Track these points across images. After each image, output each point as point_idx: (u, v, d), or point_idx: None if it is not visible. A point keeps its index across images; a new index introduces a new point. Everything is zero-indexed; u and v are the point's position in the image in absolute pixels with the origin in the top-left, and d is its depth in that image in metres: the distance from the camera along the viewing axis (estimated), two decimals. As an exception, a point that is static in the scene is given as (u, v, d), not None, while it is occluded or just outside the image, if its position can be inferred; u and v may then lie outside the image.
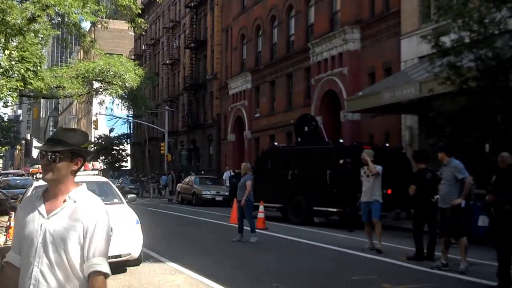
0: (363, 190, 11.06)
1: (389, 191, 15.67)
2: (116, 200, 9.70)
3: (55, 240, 2.39)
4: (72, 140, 2.49)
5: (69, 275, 2.40)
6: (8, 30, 15.81)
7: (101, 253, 2.41)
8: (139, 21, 21.98)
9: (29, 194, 9.42)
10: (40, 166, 8.93)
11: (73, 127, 2.98)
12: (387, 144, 17.77)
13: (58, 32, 21.47)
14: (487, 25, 11.96)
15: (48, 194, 2.50)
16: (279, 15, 31.48)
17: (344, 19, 24.61)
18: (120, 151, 62.21)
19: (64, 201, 2.45)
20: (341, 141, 17.53)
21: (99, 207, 2.46)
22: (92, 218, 2.41)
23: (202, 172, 37.84)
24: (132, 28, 24.42)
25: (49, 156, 2.43)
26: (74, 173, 2.51)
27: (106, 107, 35.71)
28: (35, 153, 43.01)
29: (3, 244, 11.70)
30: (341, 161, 15.39)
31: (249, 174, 12.75)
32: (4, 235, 12.75)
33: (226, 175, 30.00)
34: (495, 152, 10.21)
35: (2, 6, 14.60)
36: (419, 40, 17.60)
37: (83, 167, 8.58)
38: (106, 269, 2.41)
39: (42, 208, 2.46)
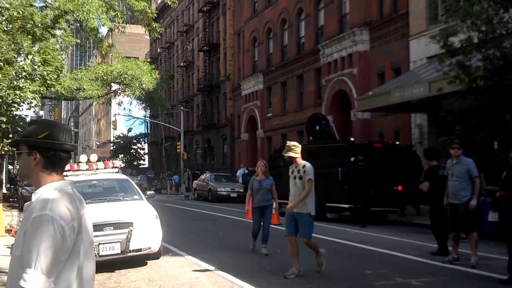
0: (291, 194, 8.07)
1: (400, 188, 16.15)
2: (136, 197, 9.88)
3: (15, 242, 2.09)
4: (27, 132, 2.18)
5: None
6: (29, 36, 16.50)
7: (28, 265, 1.92)
8: (154, 25, 22.61)
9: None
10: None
11: (36, 119, 2.59)
12: (398, 142, 17.99)
13: (78, 41, 22.21)
14: (495, 25, 12.14)
15: None
16: (289, 18, 32.00)
17: (353, 21, 25.07)
18: (138, 150, 63.28)
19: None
20: (352, 139, 17.79)
21: (35, 211, 2.01)
22: (28, 223, 2.01)
23: (218, 169, 38.53)
24: (148, 32, 25.10)
25: (16, 151, 2.22)
26: (42, 168, 2.14)
27: (124, 108, 36.53)
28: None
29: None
30: (352, 159, 15.63)
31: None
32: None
33: (240, 172, 30.76)
34: (503, 150, 10.45)
35: (22, 13, 15.21)
36: (427, 41, 17.88)
37: (103, 165, 9.17)
38: (25, 283, 1.90)
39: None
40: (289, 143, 8.45)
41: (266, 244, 10.20)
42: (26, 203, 2.20)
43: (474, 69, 12.60)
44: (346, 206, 16.02)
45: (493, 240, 9.99)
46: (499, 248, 8.73)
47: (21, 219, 16.07)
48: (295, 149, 8.06)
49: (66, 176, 10.54)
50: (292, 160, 8.14)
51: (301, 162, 8.06)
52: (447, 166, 9.17)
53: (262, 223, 10.41)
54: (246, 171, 29.60)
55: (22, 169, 2.20)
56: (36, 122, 2.26)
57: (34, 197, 2.11)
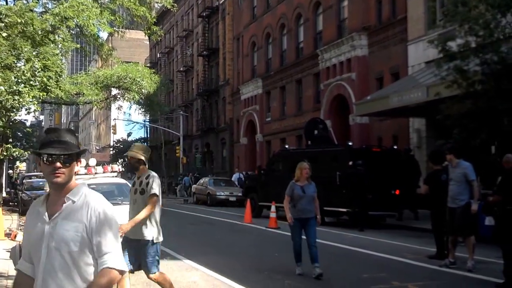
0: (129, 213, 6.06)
1: (397, 192, 16.18)
2: None
3: (57, 243, 2.31)
4: (75, 142, 2.46)
5: (74, 280, 2.31)
6: (29, 41, 16.57)
7: (109, 249, 2.33)
8: (154, 28, 22.72)
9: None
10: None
11: (63, 128, 2.78)
12: (395, 147, 18.04)
13: (78, 46, 22.32)
14: (493, 30, 12.24)
15: (51, 198, 2.43)
16: (288, 23, 32.12)
17: (352, 26, 25.18)
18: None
19: (64, 202, 2.37)
20: (350, 143, 17.81)
21: (99, 203, 2.38)
22: (93, 215, 2.33)
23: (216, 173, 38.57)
24: (148, 36, 25.22)
25: (61, 159, 2.37)
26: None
27: (124, 112, 36.62)
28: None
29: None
30: (350, 163, 15.64)
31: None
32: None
33: (235, 176, 30.91)
34: (501, 154, 10.42)
35: (23, 18, 15.28)
36: (425, 46, 17.95)
37: (102, 169, 9.43)
38: (115, 264, 2.32)
39: (45, 212, 2.39)
40: (136, 144, 6.86)
41: (318, 262, 8.17)
42: (66, 205, 2.39)
43: (472, 74, 12.69)
44: (344, 210, 16.06)
45: (490, 244, 9.98)
46: (495, 252, 8.68)
47: (21, 223, 16.04)
48: (139, 152, 5.89)
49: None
50: (134, 165, 5.95)
51: (146, 171, 5.93)
52: (449, 171, 9.21)
53: (307, 239, 8.38)
54: (241, 175, 29.78)
55: (69, 177, 2.41)
56: (71, 131, 2.54)
57: (70, 199, 2.37)
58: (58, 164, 2.35)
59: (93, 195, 2.41)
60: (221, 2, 44.22)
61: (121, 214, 8.98)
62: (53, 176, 2.36)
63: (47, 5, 21.25)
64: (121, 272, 2.34)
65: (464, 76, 12.75)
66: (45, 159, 2.37)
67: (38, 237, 2.36)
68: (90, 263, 2.34)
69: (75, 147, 2.42)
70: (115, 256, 2.33)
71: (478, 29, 12.38)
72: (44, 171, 2.42)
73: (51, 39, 18.81)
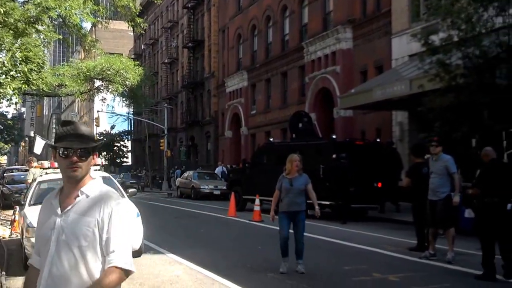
0: None
1: (379, 185, 16.32)
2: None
3: (67, 237, 2.27)
4: (91, 134, 2.42)
5: (81, 275, 2.26)
6: (11, 31, 16.32)
7: (117, 247, 2.26)
8: (138, 20, 22.46)
9: (32, 189, 9.84)
10: (43, 162, 9.46)
11: (79, 121, 2.65)
12: (378, 140, 18.16)
13: (60, 37, 22.00)
14: (475, 24, 12.31)
15: (65, 191, 2.40)
16: (274, 15, 32.07)
17: (337, 19, 25.22)
18: (121, 147, 62.90)
19: (77, 196, 2.34)
20: (334, 137, 17.85)
21: (113, 199, 2.33)
22: (106, 211, 2.28)
23: (200, 167, 38.53)
24: (132, 28, 24.95)
25: (78, 153, 2.33)
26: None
27: (108, 105, 36.30)
28: (38, 149, 43.45)
29: (8, 237, 12.27)
30: (334, 156, 15.74)
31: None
32: (9, 228, 13.28)
33: (218, 170, 30.92)
34: (481, 147, 10.56)
35: (4, 8, 15.04)
36: (409, 39, 18.05)
37: None
38: (121, 263, 2.25)
39: (58, 205, 2.36)
40: None
41: (302, 259, 8.04)
42: (82, 196, 2.36)
43: (454, 67, 12.80)
44: (327, 203, 16.13)
45: (469, 236, 10.14)
46: (475, 244, 8.81)
47: (1, 217, 15.73)
48: None
49: (47, 173, 10.50)
50: None
51: None
52: (430, 164, 9.28)
53: (294, 234, 8.14)
54: (224, 169, 29.79)
55: (86, 171, 2.38)
56: (87, 125, 2.64)
57: (84, 193, 2.34)
58: (75, 158, 2.32)
59: (108, 190, 2.38)
60: (206, -7, 44.00)
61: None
62: (69, 170, 2.33)
63: (29, -4, 20.92)
64: (128, 273, 2.27)
65: (446, 69, 12.85)
66: (61, 152, 2.33)
67: (48, 230, 2.33)
68: (98, 260, 2.29)
69: (92, 140, 2.38)
70: (122, 255, 2.26)
71: (460, 23, 12.47)
72: (60, 165, 2.38)
73: (36, 28, 18.56)
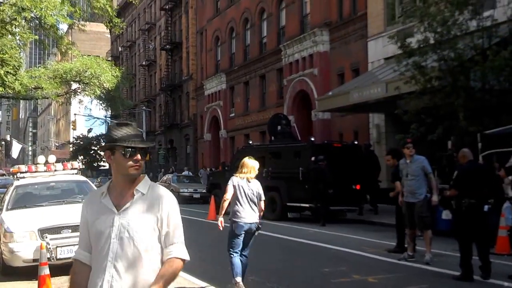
0: None
1: (358, 187, 16.45)
2: None
3: (130, 234, 2.41)
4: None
5: (145, 269, 2.42)
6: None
7: (177, 240, 2.48)
8: (116, 20, 22.23)
9: (9, 194, 9.82)
10: (20, 166, 9.30)
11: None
12: (356, 142, 18.26)
13: (36, 37, 21.73)
14: (450, 27, 12.54)
15: (115, 190, 2.51)
16: (251, 17, 32.14)
17: (314, 21, 25.39)
18: (98, 151, 62.12)
19: (133, 194, 2.47)
20: (312, 139, 17.91)
21: (168, 196, 2.51)
22: (164, 208, 2.46)
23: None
24: (109, 29, 24.74)
25: (140, 152, 2.48)
26: None
27: (86, 107, 35.84)
28: (14, 153, 42.75)
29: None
30: (312, 158, 15.76)
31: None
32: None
33: (203, 173, 30.76)
34: (457, 149, 10.74)
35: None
36: (385, 42, 18.29)
37: (62, 166, 9.06)
38: (182, 254, 2.47)
39: (110, 203, 2.47)
40: None
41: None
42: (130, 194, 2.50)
43: (430, 70, 12.97)
44: (307, 205, 16.20)
45: (447, 237, 10.27)
46: (452, 245, 8.97)
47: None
48: None
49: (24, 178, 10.36)
50: None
51: None
52: (400, 166, 9.34)
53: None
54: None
55: (143, 169, 2.52)
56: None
57: (140, 191, 2.48)
58: (139, 156, 2.45)
59: (160, 188, 2.54)
60: (184, -5, 43.86)
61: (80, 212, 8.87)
62: (132, 168, 2.45)
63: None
64: (184, 262, 2.49)
65: (422, 72, 13.03)
66: (125, 152, 2.45)
67: (106, 227, 2.43)
68: (158, 253, 2.46)
69: (147, 141, 2.60)
70: (180, 246, 2.48)
71: (436, 25, 12.67)
72: (121, 164, 2.47)
73: (9, 30, 18.30)
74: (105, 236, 2.43)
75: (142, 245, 2.41)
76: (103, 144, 2.65)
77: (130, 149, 2.44)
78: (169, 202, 2.48)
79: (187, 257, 2.49)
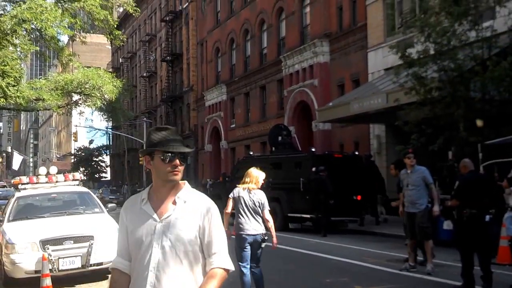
0: None
1: (359, 197, 16.43)
2: (97, 210, 9.76)
3: (173, 243, 2.34)
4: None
5: (187, 278, 2.35)
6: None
7: (218, 249, 2.38)
8: (117, 32, 22.35)
9: (11, 205, 9.83)
10: (21, 178, 9.33)
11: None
12: (357, 153, 18.27)
13: (37, 48, 21.82)
14: (450, 38, 12.59)
15: (156, 197, 2.43)
16: (251, 29, 32.30)
17: (314, 32, 25.53)
18: (100, 162, 62.20)
19: (174, 202, 2.39)
20: (313, 150, 17.93)
21: (211, 204, 2.43)
22: (206, 217, 2.38)
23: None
24: (110, 41, 24.83)
25: (180, 157, 2.41)
26: None
27: (86, 118, 35.89)
28: (16, 165, 42.78)
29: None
30: (313, 169, 15.76)
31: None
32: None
33: (208, 183, 30.65)
34: (458, 159, 10.72)
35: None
36: (385, 52, 18.37)
37: (64, 177, 9.03)
38: (225, 264, 2.39)
39: (152, 211, 2.40)
40: None
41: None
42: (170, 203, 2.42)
43: (429, 81, 13.01)
44: (308, 216, 16.18)
45: (448, 247, 10.24)
46: (453, 255, 8.94)
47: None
48: None
49: (25, 189, 10.38)
50: None
51: None
52: (401, 176, 9.34)
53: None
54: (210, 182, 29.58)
55: (182, 175, 2.44)
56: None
57: (181, 199, 2.40)
58: (176, 162, 2.37)
59: (201, 195, 2.46)
60: (184, 6, 44.07)
61: (82, 224, 8.89)
62: (171, 174, 2.38)
63: (5, 8, 20.73)
64: (228, 271, 2.41)
65: (421, 82, 13.06)
66: (164, 157, 2.38)
67: (147, 235, 2.36)
68: (200, 262, 2.39)
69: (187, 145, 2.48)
70: (223, 256, 2.39)
71: (435, 36, 12.73)
72: (160, 170, 2.39)
73: (11, 41, 18.36)
74: (145, 245, 2.36)
75: (184, 255, 2.34)
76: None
77: (169, 154, 2.38)
78: (211, 211, 2.40)
79: (231, 267, 2.42)
